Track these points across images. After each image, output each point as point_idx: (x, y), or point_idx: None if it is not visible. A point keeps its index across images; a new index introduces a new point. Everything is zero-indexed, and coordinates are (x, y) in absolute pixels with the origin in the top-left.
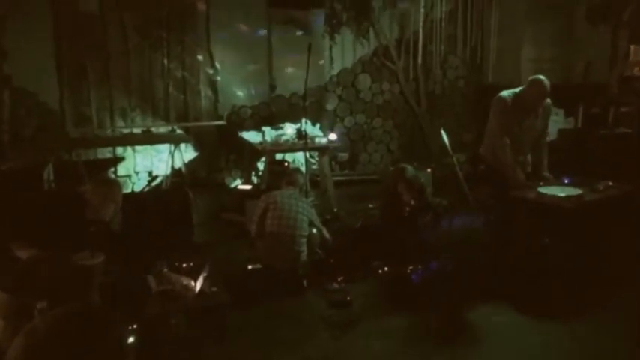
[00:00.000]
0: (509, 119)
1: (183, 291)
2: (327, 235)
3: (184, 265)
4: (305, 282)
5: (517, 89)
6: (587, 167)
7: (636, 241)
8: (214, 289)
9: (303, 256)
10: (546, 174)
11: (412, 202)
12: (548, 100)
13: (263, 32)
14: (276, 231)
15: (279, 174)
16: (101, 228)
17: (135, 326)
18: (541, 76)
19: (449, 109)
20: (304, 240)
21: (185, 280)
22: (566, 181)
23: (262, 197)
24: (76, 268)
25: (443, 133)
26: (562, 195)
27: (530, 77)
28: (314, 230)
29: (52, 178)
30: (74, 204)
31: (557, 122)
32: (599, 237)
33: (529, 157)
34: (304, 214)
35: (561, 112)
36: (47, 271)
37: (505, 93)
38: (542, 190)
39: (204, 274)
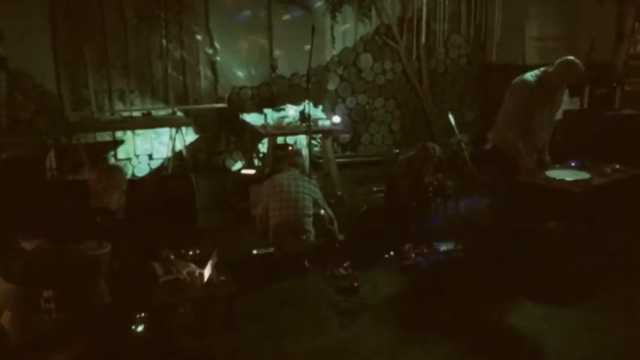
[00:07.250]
0: (535, 103)
1: (191, 280)
2: (331, 214)
3: (191, 252)
4: (307, 263)
5: (538, 71)
6: (593, 149)
7: None
8: (223, 278)
9: (311, 236)
10: (547, 158)
11: (435, 183)
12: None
13: (263, 11)
14: (279, 214)
15: (284, 158)
16: (107, 217)
17: (143, 315)
18: (572, 57)
19: (451, 88)
20: (309, 220)
21: (192, 268)
22: (573, 164)
23: (265, 182)
24: (82, 259)
25: (450, 115)
26: (570, 179)
27: (564, 58)
28: (322, 211)
29: (54, 165)
30: (79, 193)
31: (563, 102)
32: (607, 221)
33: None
34: (307, 192)
35: (566, 92)
36: (53, 262)
37: (529, 77)
38: (550, 173)
39: (212, 262)
